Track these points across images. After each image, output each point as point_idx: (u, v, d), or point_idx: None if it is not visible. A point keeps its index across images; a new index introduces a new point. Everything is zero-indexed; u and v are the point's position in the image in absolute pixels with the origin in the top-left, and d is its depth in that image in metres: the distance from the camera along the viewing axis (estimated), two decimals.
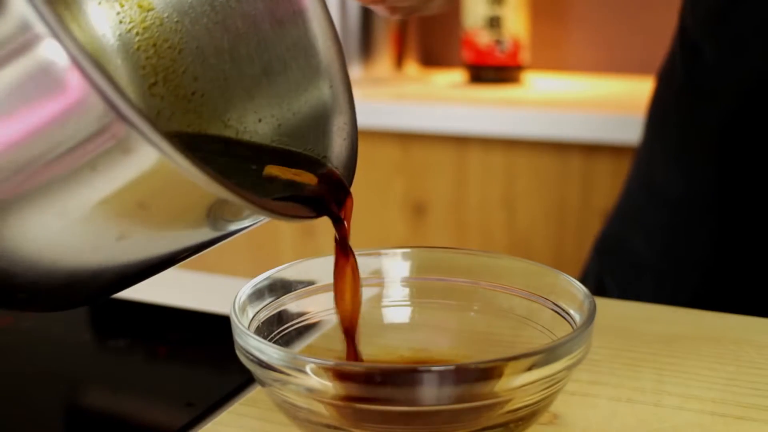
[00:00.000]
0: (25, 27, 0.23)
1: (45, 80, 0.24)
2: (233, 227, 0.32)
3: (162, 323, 0.53)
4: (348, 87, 0.38)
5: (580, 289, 0.36)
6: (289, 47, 0.38)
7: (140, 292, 0.56)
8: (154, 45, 0.39)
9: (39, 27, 0.23)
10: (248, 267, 1.31)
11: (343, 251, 0.36)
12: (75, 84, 0.24)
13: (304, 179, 0.35)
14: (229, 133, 0.39)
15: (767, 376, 0.40)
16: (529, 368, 0.30)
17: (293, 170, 0.35)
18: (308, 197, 0.34)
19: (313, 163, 0.37)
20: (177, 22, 0.39)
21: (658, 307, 0.49)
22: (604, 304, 0.49)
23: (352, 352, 0.37)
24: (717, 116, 0.62)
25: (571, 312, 0.36)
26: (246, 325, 0.34)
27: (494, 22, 1.32)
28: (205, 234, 0.31)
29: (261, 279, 0.38)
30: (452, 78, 1.42)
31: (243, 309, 0.35)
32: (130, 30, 0.39)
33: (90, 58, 0.24)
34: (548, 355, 0.31)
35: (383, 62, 1.39)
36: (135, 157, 0.25)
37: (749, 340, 0.44)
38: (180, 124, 0.40)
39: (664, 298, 0.63)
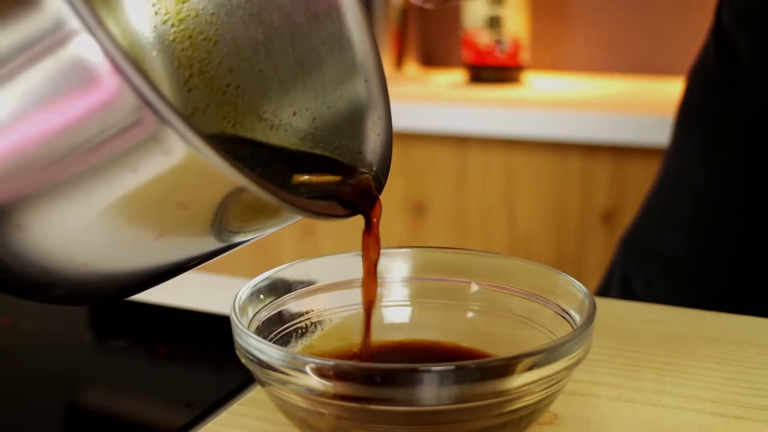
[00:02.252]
0: (60, 22, 0.24)
1: (79, 74, 0.24)
2: (266, 226, 0.32)
3: (162, 323, 0.53)
4: (383, 82, 0.38)
5: (580, 289, 0.36)
6: (324, 40, 0.38)
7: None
8: (190, 37, 0.39)
9: (74, 22, 0.24)
10: (248, 267, 1.31)
11: (372, 244, 0.36)
12: (108, 78, 0.24)
13: (331, 181, 0.35)
14: (263, 126, 0.39)
15: (767, 376, 0.40)
16: (529, 368, 0.30)
17: (321, 176, 0.35)
18: (338, 198, 0.34)
19: (344, 166, 0.37)
20: (212, 14, 0.39)
21: (658, 307, 0.49)
22: (604, 304, 0.49)
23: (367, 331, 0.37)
24: (748, 114, 0.62)
25: (571, 312, 0.36)
26: (246, 325, 0.34)
27: (494, 22, 1.32)
28: (238, 234, 0.31)
29: (261, 279, 0.38)
30: (452, 78, 1.42)
31: (243, 309, 0.35)
32: (165, 22, 0.39)
33: (124, 53, 0.24)
34: (548, 355, 0.31)
35: (383, 62, 1.39)
36: (170, 152, 0.25)
37: (749, 340, 0.44)
38: (215, 117, 0.40)
39: (690, 296, 0.63)
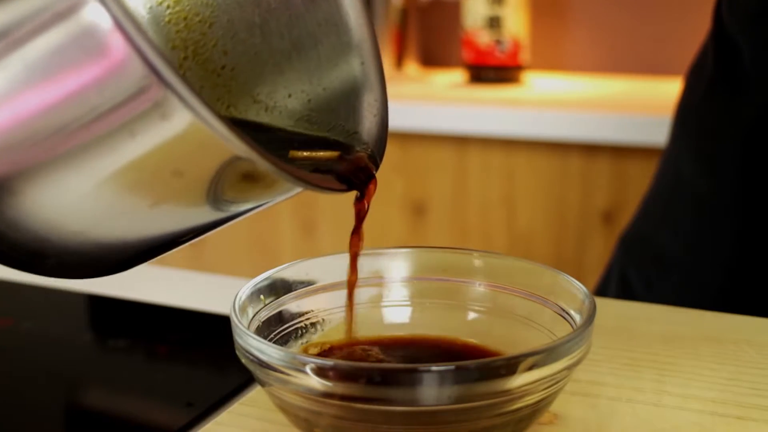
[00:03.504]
0: None
1: (87, 43, 0.24)
2: (262, 197, 0.32)
3: (162, 323, 0.53)
4: (379, 64, 0.38)
5: (580, 289, 0.36)
6: (320, 23, 0.38)
7: (140, 292, 0.56)
8: (185, 18, 0.39)
9: None
10: (248, 267, 1.31)
11: (357, 228, 0.37)
12: (116, 46, 0.24)
13: (328, 157, 0.35)
14: (258, 108, 0.39)
15: (767, 376, 0.40)
16: (529, 368, 0.30)
17: (318, 152, 0.35)
18: (334, 173, 0.34)
19: (340, 145, 0.37)
20: None
21: (658, 307, 0.49)
22: (604, 304, 0.49)
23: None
24: (747, 114, 0.62)
25: (571, 312, 0.36)
26: (246, 325, 0.34)
27: (494, 22, 1.32)
28: (234, 205, 0.31)
29: (261, 279, 0.38)
30: (452, 78, 1.42)
31: (243, 309, 0.35)
32: (161, 3, 0.39)
33: (133, 21, 0.24)
34: (548, 355, 0.31)
35: (383, 62, 1.39)
36: (173, 121, 0.25)
37: (749, 340, 0.44)
38: (209, 99, 0.40)
39: (689, 296, 0.63)
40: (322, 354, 0.38)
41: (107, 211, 0.29)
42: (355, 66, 0.38)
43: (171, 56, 0.40)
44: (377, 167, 0.36)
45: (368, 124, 0.37)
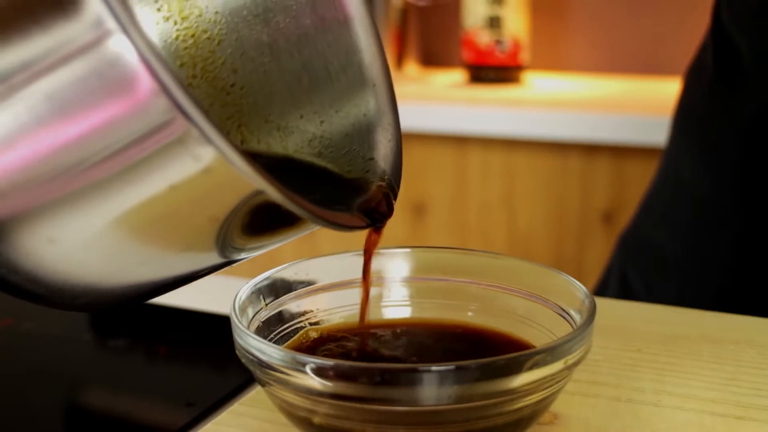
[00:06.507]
0: (97, 23, 0.24)
1: (111, 76, 0.24)
2: (289, 235, 0.32)
3: (162, 323, 0.53)
4: (390, 87, 0.38)
5: (580, 289, 0.36)
6: (331, 44, 0.38)
7: None
8: (193, 35, 0.39)
9: (110, 23, 0.23)
10: (248, 267, 1.31)
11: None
12: (140, 81, 0.24)
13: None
14: (270, 128, 0.39)
15: (767, 376, 0.40)
16: (529, 368, 0.30)
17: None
18: (354, 208, 0.34)
19: (355, 183, 0.37)
20: (216, 12, 0.39)
21: (658, 307, 0.49)
22: (604, 304, 0.49)
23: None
24: (746, 113, 0.62)
25: (571, 312, 0.36)
26: (246, 325, 0.34)
27: (494, 22, 1.32)
28: (262, 239, 0.31)
29: (261, 279, 0.38)
30: (452, 78, 1.42)
31: (243, 309, 0.35)
32: (168, 19, 0.39)
33: (158, 56, 0.24)
34: (548, 355, 0.31)
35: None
36: (197, 157, 0.25)
37: (749, 340, 0.44)
38: (219, 117, 0.39)
39: (688, 296, 0.63)
40: (323, 342, 0.38)
41: (141, 257, 0.29)
42: (366, 88, 0.38)
43: (178, 73, 0.39)
44: (396, 196, 0.36)
45: (383, 149, 0.37)
